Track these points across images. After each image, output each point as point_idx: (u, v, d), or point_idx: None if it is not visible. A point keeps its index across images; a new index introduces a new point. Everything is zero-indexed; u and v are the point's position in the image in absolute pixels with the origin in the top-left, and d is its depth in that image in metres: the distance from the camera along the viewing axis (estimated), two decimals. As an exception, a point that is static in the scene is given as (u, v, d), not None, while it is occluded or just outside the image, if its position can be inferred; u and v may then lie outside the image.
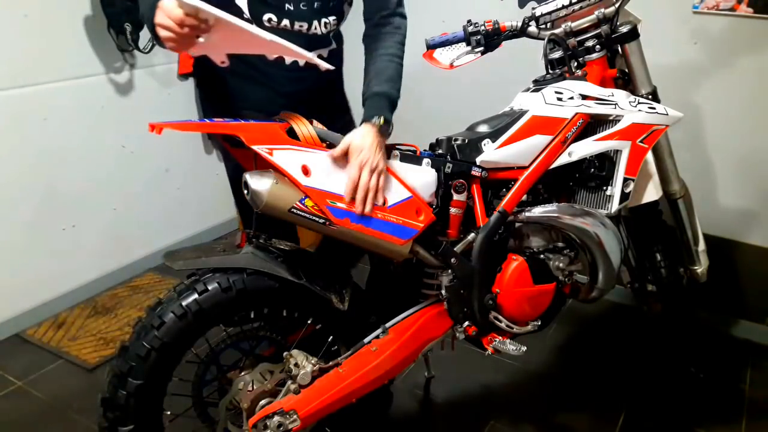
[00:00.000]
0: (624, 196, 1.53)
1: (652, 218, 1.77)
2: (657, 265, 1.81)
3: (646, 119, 1.53)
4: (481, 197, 1.47)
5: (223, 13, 1.07)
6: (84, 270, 2.54)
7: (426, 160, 1.39)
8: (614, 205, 1.53)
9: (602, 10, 1.55)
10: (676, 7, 2.09)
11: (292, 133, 1.28)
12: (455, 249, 1.45)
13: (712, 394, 2.00)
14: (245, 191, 1.23)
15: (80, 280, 2.54)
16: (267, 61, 1.42)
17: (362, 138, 1.28)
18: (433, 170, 1.39)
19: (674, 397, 1.98)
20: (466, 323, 1.50)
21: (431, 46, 1.70)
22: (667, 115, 1.56)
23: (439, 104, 2.57)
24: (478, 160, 1.45)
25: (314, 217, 1.25)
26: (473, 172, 1.44)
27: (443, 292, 1.49)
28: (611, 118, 1.52)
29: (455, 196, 1.42)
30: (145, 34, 2.40)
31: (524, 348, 1.50)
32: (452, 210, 1.43)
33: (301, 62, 1.44)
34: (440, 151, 1.47)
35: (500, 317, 1.52)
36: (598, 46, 1.56)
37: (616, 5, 1.53)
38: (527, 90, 1.57)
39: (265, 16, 1.39)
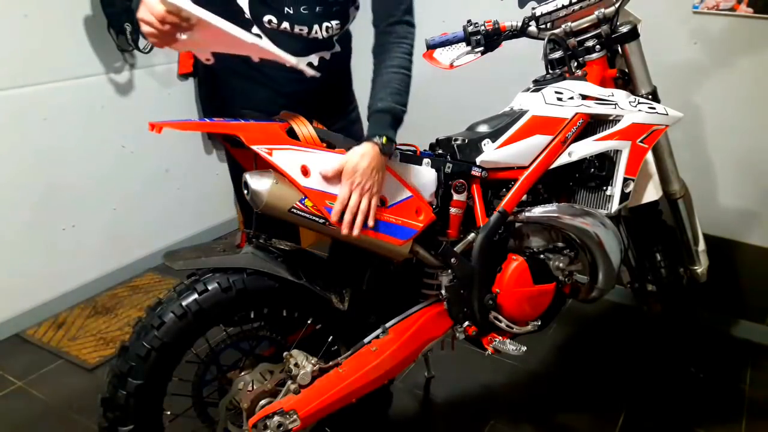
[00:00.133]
0: (624, 196, 1.53)
1: (652, 218, 1.77)
2: (657, 265, 1.81)
3: (646, 119, 1.53)
4: (481, 197, 1.47)
5: (205, 12, 1.07)
6: (84, 270, 2.54)
7: (426, 160, 1.39)
8: (614, 205, 1.53)
9: (602, 10, 1.55)
10: (676, 7, 2.09)
11: (292, 134, 1.28)
12: (455, 249, 1.45)
13: (712, 394, 2.00)
14: (245, 191, 1.23)
15: (80, 280, 2.54)
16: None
17: (360, 158, 1.23)
18: (433, 170, 1.39)
19: (674, 397, 1.98)
20: (466, 323, 1.50)
21: (431, 46, 1.70)
22: (667, 115, 1.56)
23: (439, 104, 2.57)
24: (478, 160, 1.45)
25: (314, 217, 1.24)
26: (473, 172, 1.44)
27: (443, 292, 1.49)
28: (611, 118, 1.52)
29: (455, 196, 1.42)
30: (145, 34, 2.40)
31: (524, 348, 1.50)
32: (452, 210, 1.43)
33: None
34: (440, 151, 1.47)
35: (500, 317, 1.52)
36: (598, 46, 1.56)
37: (616, 5, 1.53)
38: (527, 90, 1.57)
39: (266, 18, 1.39)
